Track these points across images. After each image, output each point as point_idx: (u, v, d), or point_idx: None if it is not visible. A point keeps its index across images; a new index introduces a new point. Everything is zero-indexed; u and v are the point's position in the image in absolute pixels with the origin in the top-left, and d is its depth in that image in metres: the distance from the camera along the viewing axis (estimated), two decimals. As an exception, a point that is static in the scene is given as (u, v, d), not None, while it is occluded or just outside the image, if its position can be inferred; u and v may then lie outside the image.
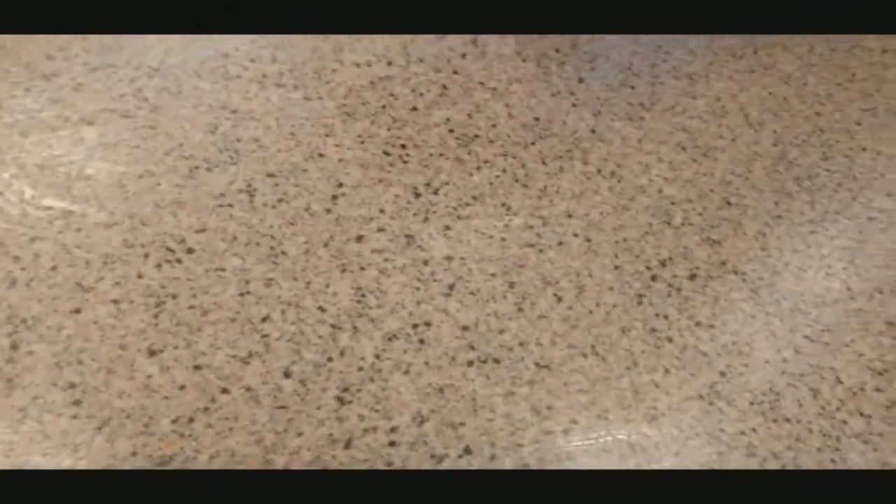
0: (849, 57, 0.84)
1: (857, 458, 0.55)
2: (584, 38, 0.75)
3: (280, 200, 0.55)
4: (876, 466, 0.55)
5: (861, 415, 0.57)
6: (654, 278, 0.60)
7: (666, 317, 0.58)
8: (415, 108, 0.64)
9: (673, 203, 0.65)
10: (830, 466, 0.54)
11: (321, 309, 0.51)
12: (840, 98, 0.79)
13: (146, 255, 0.53)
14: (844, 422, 0.56)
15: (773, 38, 0.83)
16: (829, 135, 0.75)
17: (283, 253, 0.53)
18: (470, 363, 0.52)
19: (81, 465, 0.45)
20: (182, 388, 0.48)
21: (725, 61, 0.78)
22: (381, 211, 0.57)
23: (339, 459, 0.46)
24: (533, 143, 0.65)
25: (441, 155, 0.62)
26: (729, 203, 0.67)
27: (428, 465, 0.45)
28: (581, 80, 0.71)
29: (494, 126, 0.65)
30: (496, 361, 0.52)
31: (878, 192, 0.72)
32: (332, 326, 0.50)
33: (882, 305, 0.64)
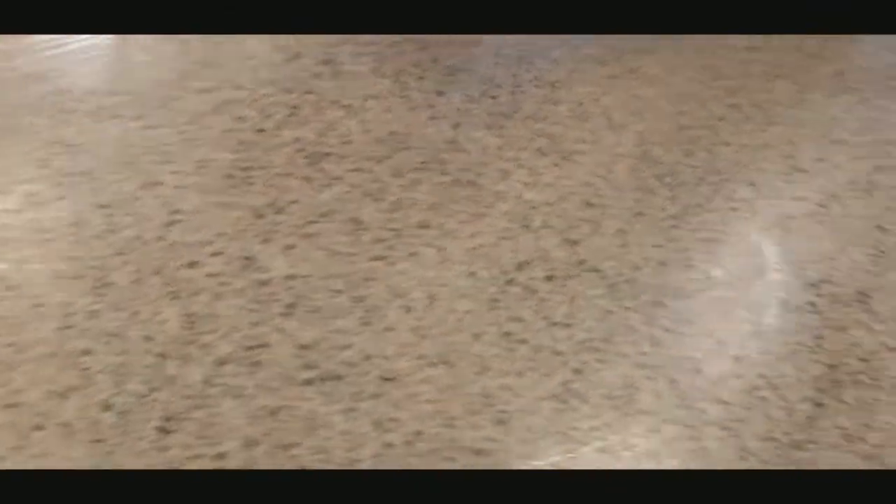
0: (714, 57, 0.87)
1: (716, 445, 0.55)
2: (444, 52, 0.76)
3: (110, 231, 0.54)
4: (735, 453, 0.55)
5: (721, 402, 0.57)
6: (509, 282, 0.60)
7: (521, 319, 0.58)
8: (262, 130, 0.64)
9: (532, 207, 0.66)
10: (691, 456, 0.54)
11: (148, 338, 0.50)
12: (705, 96, 0.81)
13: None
14: (703, 410, 0.57)
15: (640, 42, 0.86)
16: (693, 131, 0.77)
17: (110, 284, 0.52)
18: (309, 382, 0.51)
19: None
20: None
21: (589, 68, 0.80)
22: (220, 235, 0.56)
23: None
24: (388, 158, 0.65)
25: (288, 175, 0.62)
26: (589, 204, 0.68)
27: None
28: (440, 94, 0.72)
29: (347, 143, 0.65)
30: (337, 378, 0.52)
31: (741, 183, 0.74)
32: (159, 355, 0.49)
33: (743, 293, 0.65)
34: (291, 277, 0.56)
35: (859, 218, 0.74)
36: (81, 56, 0.66)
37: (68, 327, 0.50)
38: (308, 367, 0.52)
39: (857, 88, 0.88)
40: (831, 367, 0.62)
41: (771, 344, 0.62)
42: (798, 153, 0.78)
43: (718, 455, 0.54)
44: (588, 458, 0.52)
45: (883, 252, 0.72)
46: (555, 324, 0.59)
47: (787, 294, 0.66)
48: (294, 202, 0.61)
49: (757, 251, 0.68)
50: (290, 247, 0.58)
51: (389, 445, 0.49)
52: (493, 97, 0.74)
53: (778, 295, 0.66)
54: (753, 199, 0.73)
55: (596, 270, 0.63)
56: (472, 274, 0.60)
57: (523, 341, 0.57)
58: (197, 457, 0.46)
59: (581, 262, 0.63)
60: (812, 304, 0.66)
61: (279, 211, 0.60)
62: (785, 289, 0.66)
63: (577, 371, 0.57)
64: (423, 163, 0.66)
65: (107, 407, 0.47)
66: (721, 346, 0.61)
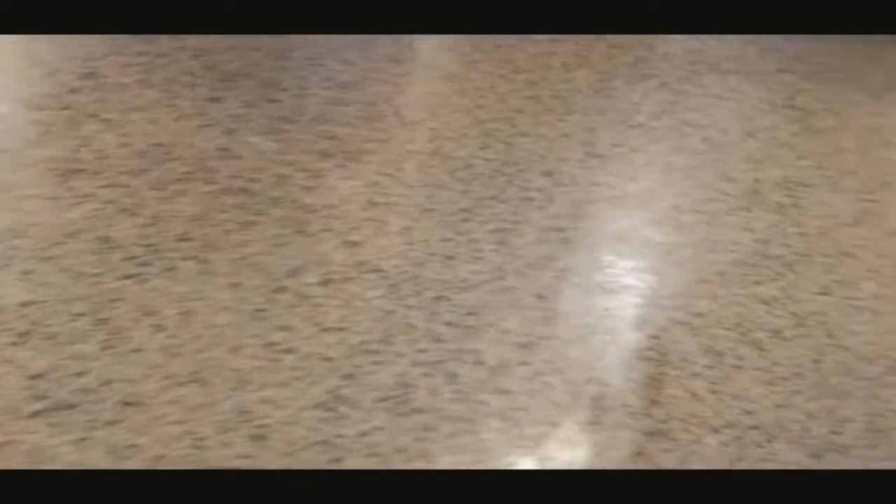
0: (515, 50, 0.87)
1: (495, 436, 0.54)
2: (223, 58, 0.74)
3: None
4: (516, 440, 0.54)
5: (502, 392, 0.56)
6: (279, 290, 0.58)
7: (289, 328, 0.56)
8: (6, 151, 0.59)
9: (310, 211, 0.64)
10: (467, 450, 0.53)
11: None
12: (503, 89, 0.82)
13: None
14: (484, 402, 0.55)
15: (443, 40, 0.85)
16: (490, 125, 0.77)
17: None
18: (36, 414, 0.47)
19: None
20: None
21: (383, 67, 0.79)
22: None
23: None
24: (148, 171, 0.62)
25: (31, 197, 0.58)
26: (374, 203, 0.66)
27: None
28: (215, 101, 0.70)
29: (103, 158, 0.62)
30: (70, 407, 0.48)
31: (536, 173, 0.74)
32: None
33: (532, 280, 0.64)
34: (26, 304, 0.52)
35: (656, 198, 0.76)
36: None
37: None
38: (37, 397, 0.48)
39: (656, 75, 0.91)
40: (619, 345, 0.62)
41: (559, 329, 0.62)
42: (596, 140, 0.80)
43: (497, 447, 0.53)
44: (354, 464, 0.50)
45: (677, 230, 0.73)
46: (326, 329, 0.57)
47: (578, 278, 0.66)
48: (36, 225, 0.56)
49: (548, 238, 0.68)
50: (28, 272, 0.54)
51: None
52: (275, 101, 0.72)
53: (569, 280, 0.66)
54: (549, 187, 0.73)
55: (377, 271, 0.61)
56: (237, 285, 0.58)
57: (290, 350, 0.55)
58: None
59: (361, 264, 0.62)
60: (602, 285, 0.66)
61: (18, 235, 0.55)
62: (576, 273, 0.66)
63: (347, 376, 0.55)
64: (187, 173, 0.63)
65: None
66: (506, 336, 0.60)
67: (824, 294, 0.72)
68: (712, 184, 0.79)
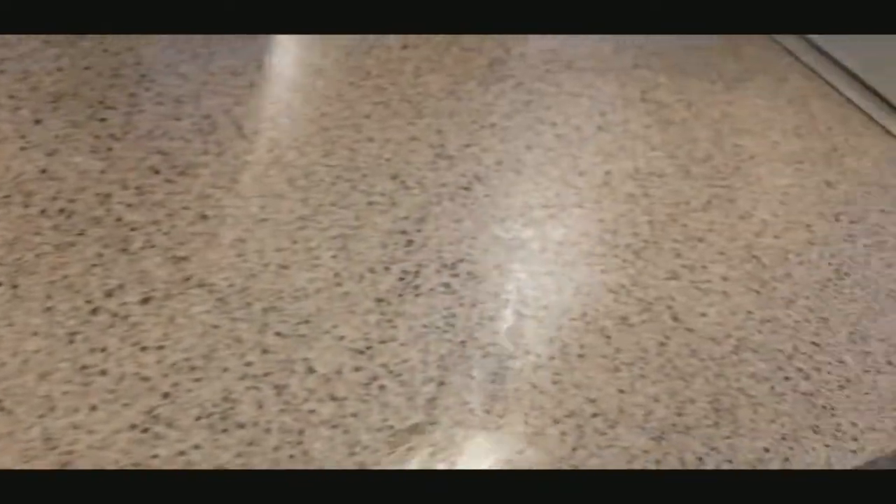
0: (366, 57, 0.87)
1: (322, 446, 0.53)
2: (49, 79, 0.71)
3: None
4: (344, 449, 0.53)
5: (333, 399, 0.56)
6: (94, 311, 0.56)
7: (104, 349, 0.54)
8: None
9: (133, 229, 0.62)
10: (291, 462, 0.52)
11: None
12: (351, 96, 0.82)
13: None
14: (312, 411, 0.55)
15: (280, 50, 0.85)
16: (334, 132, 0.77)
17: None
18: None
19: None
20: None
21: (222, 80, 0.78)
22: None
23: None
24: (-46, 197, 0.59)
25: None
26: (204, 217, 0.65)
27: None
28: (38, 122, 0.67)
29: None
30: None
31: (383, 177, 0.74)
32: None
33: (372, 284, 0.64)
34: None
35: (505, 196, 0.76)
36: None
37: None
38: None
39: (512, 76, 0.92)
40: (461, 343, 0.62)
41: (398, 332, 0.62)
42: (446, 142, 0.80)
43: (322, 455, 0.52)
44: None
45: (525, 225, 0.74)
46: (145, 349, 0.55)
47: (421, 279, 0.66)
48: None
49: (390, 241, 0.68)
50: None
51: None
52: (103, 119, 0.70)
53: (411, 282, 0.66)
54: (394, 191, 0.73)
55: (204, 285, 0.60)
56: (50, 309, 0.56)
57: (103, 373, 0.53)
58: None
59: (186, 280, 0.60)
60: (447, 284, 0.67)
61: None
62: (419, 275, 0.66)
63: (166, 395, 0.53)
64: (2, 197, 0.61)
65: None
66: (340, 342, 0.59)
67: (672, 279, 0.74)
68: (563, 178, 0.81)
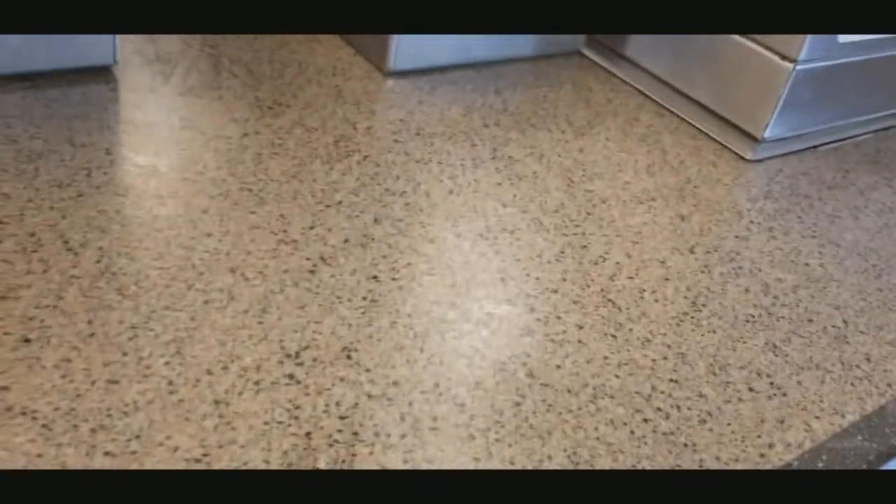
0: (204, 150, 0.90)
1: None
2: None
3: None
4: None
5: (166, 515, 0.56)
6: None
7: None
8: None
9: (-54, 364, 0.62)
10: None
11: None
12: (186, 192, 0.83)
13: None
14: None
15: (108, 155, 0.86)
16: (168, 232, 0.78)
17: None
18: None
19: None
20: None
21: (48, 194, 0.79)
22: None
23: None
24: None
25: None
26: (27, 340, 0.65)
27: None
28: None
29: None
30: None
31: (221, 272, 0.75)
32: None
33: (209, 387, 0.65)
34: None
35: (351, 274, 0.79)
36: None
37: None
38: None
39: (358, 150, 0.96)
40: (306, 435, 0.63)
41: (237, 433, 0.62)
42: (289, 227, 0.82)
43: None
44: None
45: (373, 301, 0.76)
46: (-44, 491, 0.54)
47: (262, 373, 0.67)
48: None
49: (227, 339, 0.69)
50: None
51: None
52: (-87, 253, 0.70)
53: (251, 378, 0.67)
54: (232, 285, 0.74)
55: (26, 413, 0.60)
56: None
57: None
58: None
59: (8, 409, 0.60)
60: (290, 375, 0.68)
61: None
62: (260, 368, 0.68)
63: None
64: None
65: None
66: (175, 453, 0.60)
67: (525, 335, 0.77)
68: (412, 247, 0.84)
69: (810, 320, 0.87)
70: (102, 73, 1.00)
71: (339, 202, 0.88)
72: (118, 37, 0.98)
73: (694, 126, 1.17)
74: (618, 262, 0.88)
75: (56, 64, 0.96)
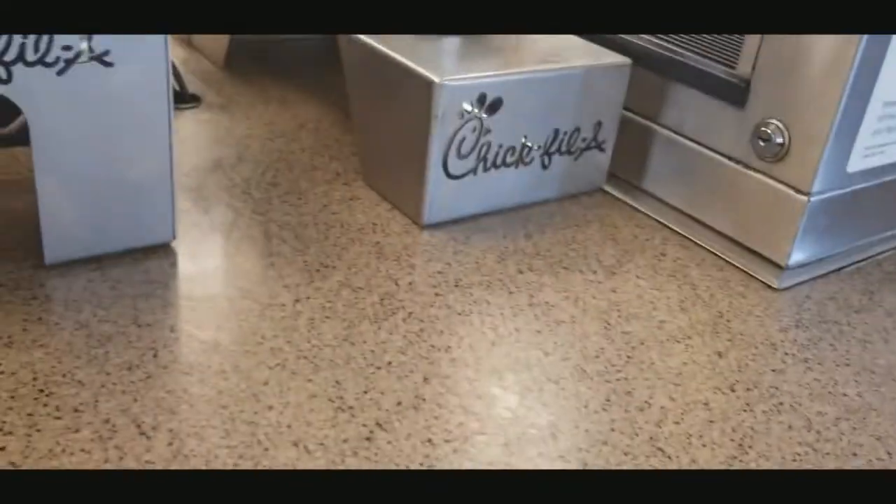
0: (260, 320, 0.95)
1: None
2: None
3: None
4: None
5: None
6: None
7: None
8: None
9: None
10: None
11: None
12: (247, 365, 0.88)
13: None
14: None
15: (167, 336, 0.91)
16: (232, 409, 0.82)
17: None
18: None
19: None
20: None
21: (119, 378, 0.84)
22: None
23: None
24: None
25: None
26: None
27: None
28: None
29: None
30: None
31: (284, 447, 0.79)
32: None
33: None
34: None
35: (405, 437, 0.82)
36: None
37: None
38: None
39: (402, 306, 1.01)
40: None
41: None
42: (344, 393, 0.86)
43: None
44: None
45: (430, 468, 0.79)
46: None
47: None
48: None
49: (297, 516, 0.72)
50: None
51: None
52: (2, 448, 0.74)
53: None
54: (296, 459, 0.78)
55: None
56: None
57: None
58: None
59: None
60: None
61: None
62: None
63: None
64: None
65: None
66: None
67: (580, 491, 0.79)
68: (462, 406, 0.87)
69: (854, 454, 0.88)
70: (162, 250, 1.06)
71: (389, 363, 0.92)
72: (177, 212, 1.05)
73: (720, 257, 1.21)
74: (662, 407, 0.90)
75: (119, 246, 1.03)
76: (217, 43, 1.71)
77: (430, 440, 0.83)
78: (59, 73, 0.91)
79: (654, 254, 1.21)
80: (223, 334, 0.94)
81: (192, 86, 1.58)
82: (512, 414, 0.87)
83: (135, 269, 1.03)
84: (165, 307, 0.97)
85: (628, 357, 0.98)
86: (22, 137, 1.33)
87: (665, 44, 1.30)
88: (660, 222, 1.30)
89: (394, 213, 1.24)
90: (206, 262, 1.07)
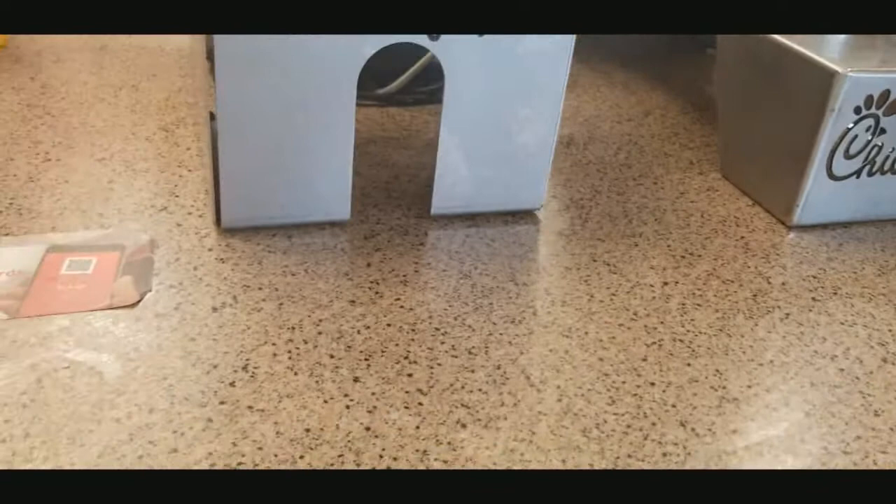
0: (630, 297, 0.94)
1: None
2: (359, 337, 0.83)
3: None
4: None
5: None
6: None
7: None
8: (175, 451, 0.68)
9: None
10: None
11: None
12: (623, 338, 0.88)
13: None
14: None
15: (532, 282, 0.93)
16: (615, 377, 0.82)
17: None
18: None
19: None
20: None
21: (504, 329, 0.87)
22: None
23: None
24: (301, 457, 0.69)
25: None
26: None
27: None
28: (356, 380, 0.78)
29: (260, 448, 0.69)
30: None
31: (672, 425, 0.77)
32: None
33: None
34: None
35: (801, 441, 0.77)
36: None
37: None
38: None
39: (777, 306, 0.95)
40: None
41: None
42: (727, 383, 0.83)
43: None
44: None
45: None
46: None
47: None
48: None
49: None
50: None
51: None
52: (410, 375, 0.80)
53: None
54: (686, 440, 0.76)
55: (524, 545, 0.65)
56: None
57: None
58: None
59: (508, 539, 0.65)
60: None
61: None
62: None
63: None
64: (339, 456, 0.70)
65: None
66: None
67: None
68: (857, 419, 0.81)
69: None
70: (530, 216, 1.10)
71: (771, 361, 0.88)
72: (545, 181, 1.08)
73: None
74: None
75: (493, 206, 1.08)
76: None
77: (826, 449, 0.78)
78: (480, 34, 0.96)
79: None
80: (595, 305, 0.95)
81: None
82: (915, 438, 0.80)
83: (506, 231, 1.07)
84: (539, 271, 1.00)
85: None
86: (400, 97, 1.43)
87: None
88: None
89: (756, 208, 1.18)
90: (569, 233, 1.09)
